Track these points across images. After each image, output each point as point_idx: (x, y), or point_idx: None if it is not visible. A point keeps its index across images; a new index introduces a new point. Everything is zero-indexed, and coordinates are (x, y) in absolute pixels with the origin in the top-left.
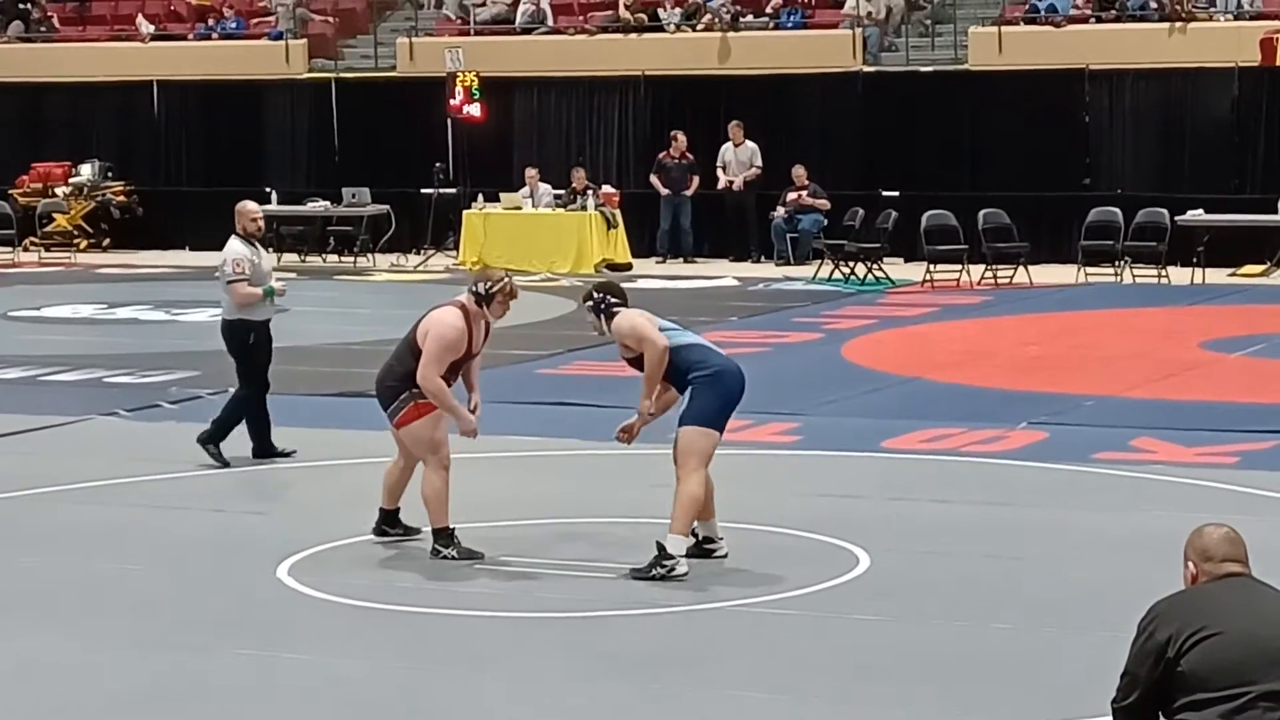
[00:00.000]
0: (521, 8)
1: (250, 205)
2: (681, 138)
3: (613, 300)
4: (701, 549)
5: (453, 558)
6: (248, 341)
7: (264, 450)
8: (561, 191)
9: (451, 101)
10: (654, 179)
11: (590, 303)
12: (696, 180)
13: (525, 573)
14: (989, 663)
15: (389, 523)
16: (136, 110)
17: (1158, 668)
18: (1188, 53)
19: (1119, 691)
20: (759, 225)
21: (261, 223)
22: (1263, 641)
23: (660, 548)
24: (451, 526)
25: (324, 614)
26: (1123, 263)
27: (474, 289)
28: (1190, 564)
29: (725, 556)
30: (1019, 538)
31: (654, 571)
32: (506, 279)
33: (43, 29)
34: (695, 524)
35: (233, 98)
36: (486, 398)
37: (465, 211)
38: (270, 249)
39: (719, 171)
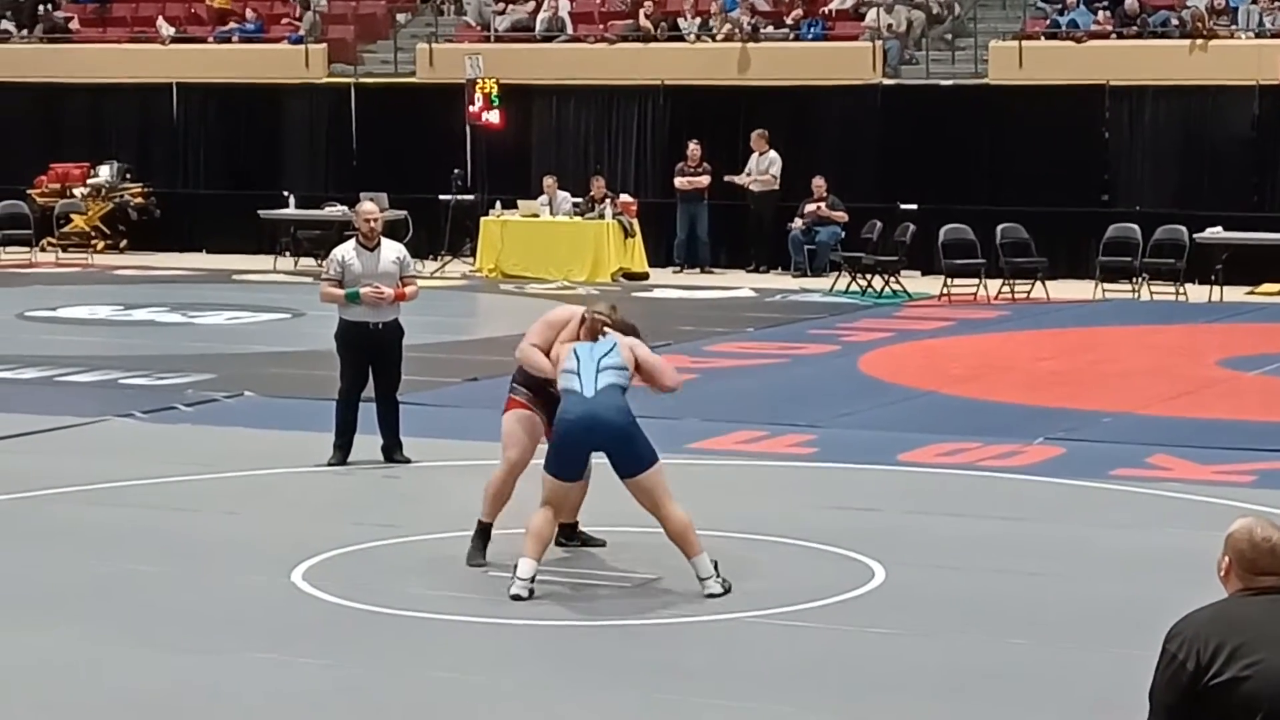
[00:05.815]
0: (541, 15)
1: (363, 205)
2: (693, 147)
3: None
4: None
5: (468, 549)
6: (339, 339)
7: (387, 453)
8: (580, 200)
9: (470, 108)
10: (679, 181)
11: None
12: (708, 179)
13: (539, 581)
14: (1003, 679)
15: (563, 534)
16: (155, 112)
17: (1189, 698)
18: (1208, 70)
19: None
20: (776, 236)
21: (374, 224)
22: None
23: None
24: (488, 523)
25: (338, 619)
26: (1141, 279)
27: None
28: (1226, 558)
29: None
30: (1035, 553)
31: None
32: (588, 316)
33: (63, 30)
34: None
35: (252, 101)
36: (486, 406)
37: (483, 218)
38: (288, 252)
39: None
